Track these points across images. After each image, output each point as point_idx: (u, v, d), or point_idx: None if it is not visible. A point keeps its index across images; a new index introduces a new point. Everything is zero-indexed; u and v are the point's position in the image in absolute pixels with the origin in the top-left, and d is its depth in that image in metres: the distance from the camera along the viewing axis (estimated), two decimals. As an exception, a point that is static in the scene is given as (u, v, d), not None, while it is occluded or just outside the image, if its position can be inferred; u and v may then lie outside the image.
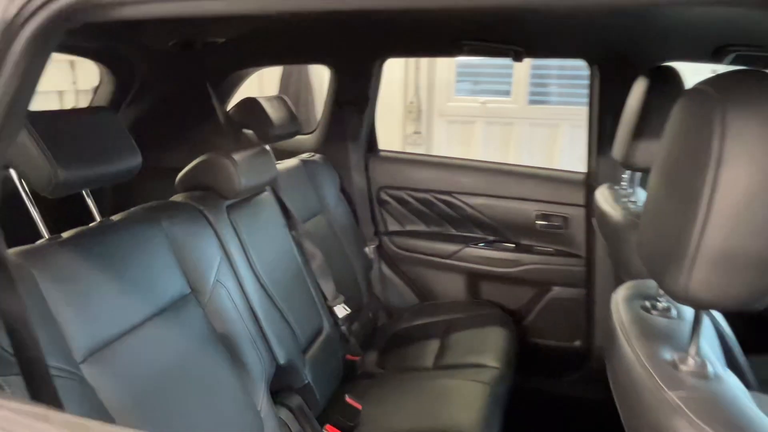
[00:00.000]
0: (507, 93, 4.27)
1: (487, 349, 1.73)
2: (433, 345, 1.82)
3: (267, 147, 1.59)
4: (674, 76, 1.29)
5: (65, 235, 1.01)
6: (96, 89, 2.09)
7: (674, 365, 0.69)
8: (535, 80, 4.20)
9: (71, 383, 0.84)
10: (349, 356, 1.69)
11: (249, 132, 1.80)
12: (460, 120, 4.37)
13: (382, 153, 2.26)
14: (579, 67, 4.01)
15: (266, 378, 1.29)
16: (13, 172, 0.92)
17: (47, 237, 0.97)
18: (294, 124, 1.80)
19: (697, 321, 0.67)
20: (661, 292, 0.86)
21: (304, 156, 2.08)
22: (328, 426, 1.34)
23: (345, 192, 2.16)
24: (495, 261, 2.11)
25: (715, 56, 1.59)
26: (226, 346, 1.21)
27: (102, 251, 1.02)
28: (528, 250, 2.09)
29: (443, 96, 4.34)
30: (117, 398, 0.93)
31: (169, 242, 1.18)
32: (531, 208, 2.06)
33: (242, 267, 1.35)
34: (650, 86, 1.30)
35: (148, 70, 2.02)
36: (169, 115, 2.13)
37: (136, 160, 1.05)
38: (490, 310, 2.02)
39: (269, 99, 1.74)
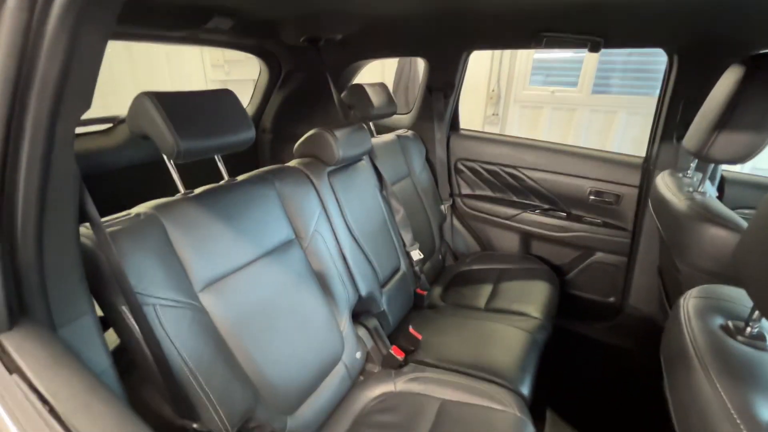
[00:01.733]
0: (574, 84, 3.52)
1: (532, 300, 1.42)
2: (487, 289, 1.54)
3: (364, 125, 1.36)
4: None
5: (197, 191, 0.88)
6: (257, 79, 1.98)
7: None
8: (600, 72, 3.39)
9: (184, 311, 0.72)
10: (419, 290, 1.48)
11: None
12: (531, 106, 3.73)
13: (462, 131, 1.91)
14: (645, 62, 3.17)
15: (349, 306, 1.14)
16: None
17: (182, 192, 0.85)
18: (391, 105, 1.53)
19: None
20: (757, 314, 0.51)
21: (400, 132, 1.81)
22: (393, 347, 1.17)
23: (429, 161, 1.87)
24: (547, 226, 1.73)
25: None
26: (319, 280, 1.06)
27: (224, 205, 0.88)
28: (578, 219, 1.68)
29: (519, 85, 3.71)
30: (228, 319, 0.81)
31: (280, 199, 1.02)
32: (585, 185, 1.63)
33: (337, 219, 1.17)
34: (746, 75, 0.84)
35: (288, 62, 1.85)
36: (304, 97, 1.96)
37: (250, 133, 0.87)
38: (539, 266, 1.67)
39: (372, 85, 1.48)
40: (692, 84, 1.26)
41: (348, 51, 1.76)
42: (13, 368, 0.36)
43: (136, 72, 3.47)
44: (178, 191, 0.85)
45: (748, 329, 0.51)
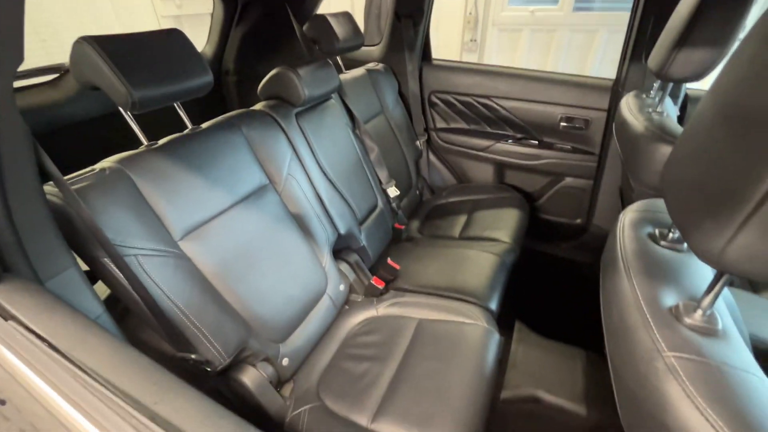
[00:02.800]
0: (555, 1, 3.33)
1: (503, 226, 1.50)
2: (461, 219, 1.62)
3: (330, 61, 1.30)
4: None
5: (160, 142, 0.87)
6: (212, 13, 1.81)
7: (677, 315, 0.45)
8: (582, -13, 3.20)
9: (167, 259, 0.76)
10: (397, 225, 1.55)
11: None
12: (509, 29, 3.55)
13: (434, 62, 1.84)
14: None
15: (329, 243, 1.20)
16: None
17: (145, 144, 0.84)
18: (357, 37, 1.45)
19: (722, 276, 0.41)
20: None
21: (370, 65, 1.74)
22: (374, 278, 1.26)
23: (402, 96, 1.83)
24: (520, 155, 1.77)
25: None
26: (298, 222, 1.11)
27: (191, 154, 0.88)
28: (549, 146, 1.72)
29: (498, 6, 3.49)
30: (211, 264, 0.86)
31: (248, 144, 1.01)
32: (557, 111, 1.64)
33: (309, 162, 1.18)
34: None
35: (244, -6, 1.69)
36: (265, 33, 1.82)
37: (206, 78, 0.84)
38: (511, 194, 1.74)
39: (336, 16, 1.38)
40: (662, -2, 1.22)
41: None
42: (8, 316, 0.40)
43: (76, 10, 3.11)
44: (141, 144, 0.84)
45: (670, 235, 0.57)
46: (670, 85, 1.05)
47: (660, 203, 0.69)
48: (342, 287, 1.20)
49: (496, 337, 1.04)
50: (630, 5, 1.36)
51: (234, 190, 0.95)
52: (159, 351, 0.77)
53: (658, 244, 0.58)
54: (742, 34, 0.76)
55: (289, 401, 0.93)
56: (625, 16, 1.39)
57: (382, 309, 1.18)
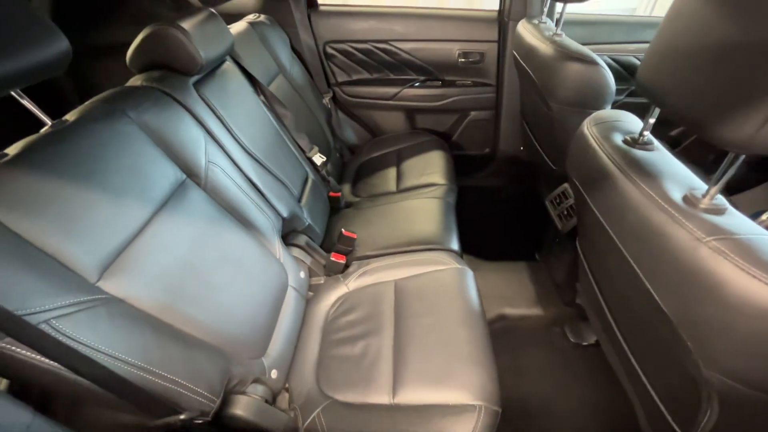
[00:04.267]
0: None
1: (434, 170, 1.52)
2: (392, 172, 1.59)
3: (213, 11, 1.03)
4: None
5: (11, 151, 0.58)
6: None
7: (691, 204, 0.49)
8: None
9: (91, 311, 0.54)
10: (332, 193, 1.43)
11: (188, -5, 1.17)
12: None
13: (321, 8, 1.64)
14: None
15: (276, 231, 1.04)
16: None
17: (-12, 157, 0.55)
18: (233, -19, 1.18)
19: (734, 160, 0.45)
20: (648, 125, 0.62)
21: (250, 18, 1.46)
22: (333, 254, 1.16)
23: (296, 51, 1.62)
24: (426, 97, 1.77)
25: None
26: (235, 216, 0.92)
27: (66, 160, 0.61)
28: (451, 84, 1.75)
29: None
30: (151, 297, 0.65)
31: (145, 133, 0.76)
32: (454, 48, 1.66)
33: (228, 142, 0.96)
34: None
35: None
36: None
37: (61, 45, 0.57)
38: (428, 138, 1.76)
39: (200, -47, 1.09)
40: None
41: None
42: None
43: None
44: None
45: (641, 138, 0.63)
46: (564, 8, 1.13)
47: (609, 114, 0.76)
48: (302, 274, 1.08)
49: (470, 273, 1.07)
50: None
51: (144, 197, 0.72)
52: (137, 426, 0.57)
53: (634, 147, 0.63)
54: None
55: (293, 412, 0.82)
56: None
57: (352, 283, 1.10)
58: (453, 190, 1.45)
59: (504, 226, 1.82)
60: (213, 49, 0.94)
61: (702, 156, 1.30)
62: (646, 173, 0.56)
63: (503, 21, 1.56)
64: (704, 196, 0.49)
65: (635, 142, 0.63)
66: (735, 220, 0.46)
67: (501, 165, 1.93)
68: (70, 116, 0.69)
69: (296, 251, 1.13)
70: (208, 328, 0.73)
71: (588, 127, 0.72)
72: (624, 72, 1.60)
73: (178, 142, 0.81)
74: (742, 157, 0.44)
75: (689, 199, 0.49)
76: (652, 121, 0.61)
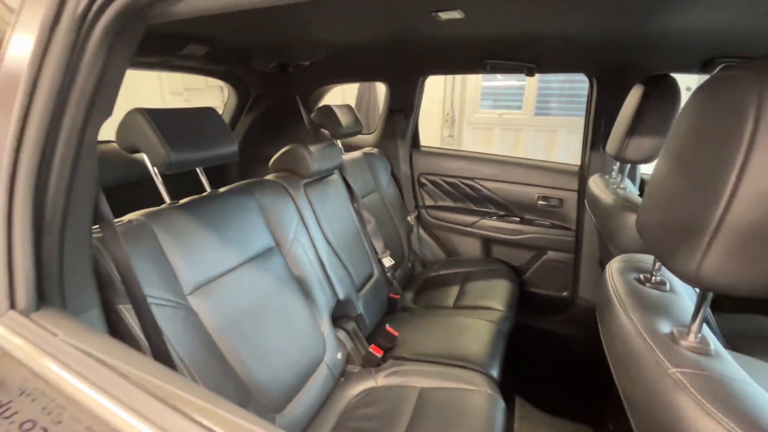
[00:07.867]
0: (519, 107, 3.91)
1: (495, 296, 1.55)
2: (454, 290, 1.66)
3: (337, 141, 1.46)
4: (670, 83, 1.03)
5: (182, 201, 0.93)
6: (225, 102, 2.04)
7: (674, 339, 0.50)
8: (540, 97, 3.81)
9: (177, 311, 0.76)
10: (392, 294, 1.57)
11: (325, 131, 1.67)
12: (482, 127, 4.07)
13: (423, 148, 2.07)
14: (575, 88, 3.61)
15: (329, 309, 1.20)
16: (144, 155, 0.84)
17: (168, 203, 0.90)
18: (357, 125, 1.66)
19: (703, 298, 0.47)
20: (657, 266, 0.66)
21: (366, 149, 1.94)
22: (372, 346, 1.24)
23: (394, 176, 2.01)
24: (504, 230, 1.90)
25: (704, 68, 1.27)
26: (300, 285, 1.12)
27: (208, 214, 0.94)
28: (530, 222, 1.87)
29: (471, 109, 4.05)
30: (216, 321, 0.85)
31: (260, 209, 1.08)
32: (534, 192, 1.83)
33: (313, 228, 1.24)
34: (645, 92, 1.05)
35: (257, 87, 1.94)
36: (272, 119, 2.04)
37: (232, 148, 0.94)
38: (499, 266, 1.82)
39: (340, 107, 1.60)
40: (609, 101, 1.50)
41: (315, 76, 1.89)
42: (56, 334, 0.40)
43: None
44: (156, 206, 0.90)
45: (653, 278, 0.65)
46: (628, 167, 1.23)
47: (638, 256, 0.78)
48: (339, 356, 1.17)
49: (501, 404, 1.01)
50: (580, 112, 1.65)
51: (243, 250, 0.99)
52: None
53: (644, 285, 0.65)
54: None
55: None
56: (577, 120, 1.68)
57: (381, 379, 1.14)
58: (510, 319, 1.43)
59: (573, 381, 1.61)
60: (324, 164, 1.31)
61: None
62: (640, 306, 0.58)
63: (583, 174, 1.70)
64: (687, 335, 0.49)
65: (647, 281, 0.65)
66: (716, 363, 0.46)
67: (581, 313, 1.81)
68: (223, 189, 1.05)
69: (342, 334, 1.24)
70: (245, 365, 0.87)
71: (609, 266, 0.76)
72: None
73: (278, 220, 1.11)
74: (710, 294, 0.46)
75: (673, 334, 0.50)
76: (659, 264, 0.64)
